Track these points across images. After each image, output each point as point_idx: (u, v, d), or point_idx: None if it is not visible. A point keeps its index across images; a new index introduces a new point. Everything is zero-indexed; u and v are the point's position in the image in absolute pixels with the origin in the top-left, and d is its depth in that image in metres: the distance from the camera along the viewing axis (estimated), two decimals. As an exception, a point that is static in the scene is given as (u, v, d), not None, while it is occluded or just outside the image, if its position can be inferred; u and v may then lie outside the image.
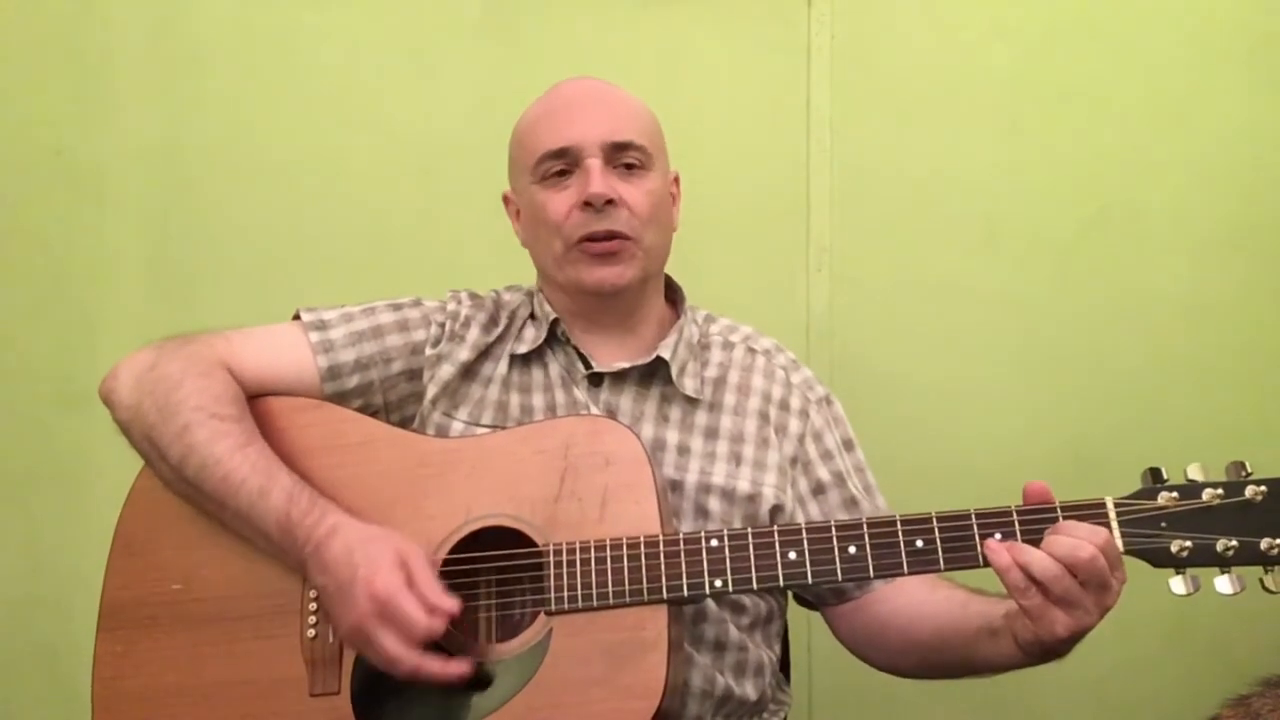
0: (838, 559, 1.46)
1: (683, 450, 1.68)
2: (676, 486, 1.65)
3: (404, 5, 2.57)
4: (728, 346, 1.81)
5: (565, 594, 1.47)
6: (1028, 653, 1.44)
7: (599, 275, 1.68)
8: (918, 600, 1.66)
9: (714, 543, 1.48)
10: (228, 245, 2.54)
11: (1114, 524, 1.40)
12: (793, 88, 2.53)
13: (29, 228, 2.57)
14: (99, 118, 2.57)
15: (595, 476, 1.51)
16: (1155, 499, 1.41)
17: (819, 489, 1.75)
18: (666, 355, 1.71)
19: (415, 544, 1.48)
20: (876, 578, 1.50)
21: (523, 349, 1.74)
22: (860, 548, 1.45)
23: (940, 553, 1.43)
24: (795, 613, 1.84)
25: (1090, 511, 1.42)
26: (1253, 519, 1.38)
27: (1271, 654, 2.01)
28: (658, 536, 1.48)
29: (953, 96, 2.52)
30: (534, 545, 1.50)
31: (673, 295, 1.85)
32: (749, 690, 1.66)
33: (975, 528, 1.43)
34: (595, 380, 1.71)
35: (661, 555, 1.47)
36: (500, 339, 1.76)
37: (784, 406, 1.77)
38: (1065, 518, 1.41)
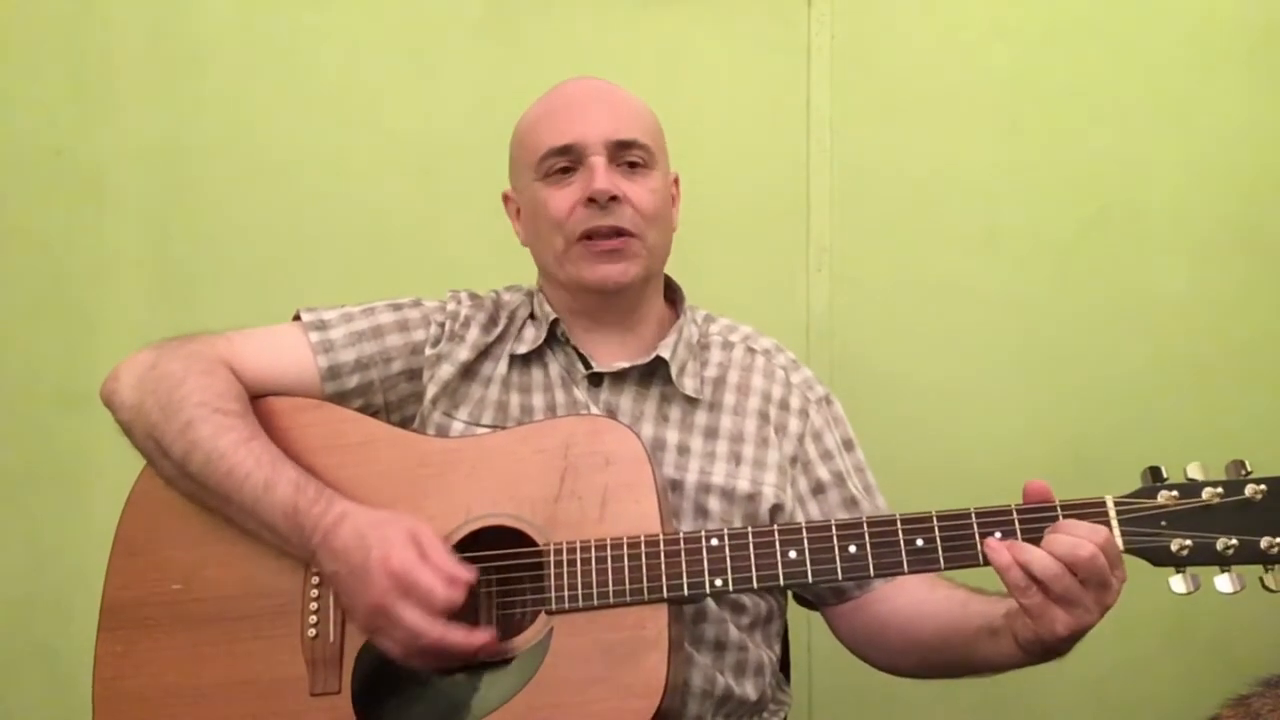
0: (838, 558, 1.46)
1: (682, 450, 1.68)
2: (676, 486, 1.65)
3: (404, 5, 2.57)
4: (727, 346, 1.81)
5: (566, 593, 1.47)
6: (1028, 652, 1.44)
7: (603, 272, 1.68)
8: (918, 600, 1.66)
9: (714, 542, 1.48)
10: (228, 245, 2.55)
11: (1114, 523, 1.40)
12: (793, 88, 2.53)
13: (29, 228, 2.57)
14: (99, 118, 2.57)
15: (595, 476, 1.52)
16: (1155, 498, 1.41)
17: (819, 489, 1.75)
18: (666, 355, 1.71)
19: (425, 521, 1.48)
20: (877, 577, 1.50)
21: (522, 349, 1.74)
22: (860, 547, 1.45)
23: (940, 552, 1.43)
24: (795, 613, 1.84)
25: (1090, 510, 1.42)
26: (1253, 518, 1.38)
27: (1271, 654, 2.01)
28: (658, 536, 1.48)
29: (953, 96, 2.52)
30: (534, 545, 1.50)
31: (672, 295, 1.85)
32: (749, 690, 1.66)
33: (975, 527, 1.43)
34: (595, 380, 1.72)
35: (662, 554, 1.47)
36: (500, 339, 1.76)
37: (784, 406, 1.77)
38: (1065, 517, 1.41)
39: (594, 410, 1.68)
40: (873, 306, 2.51)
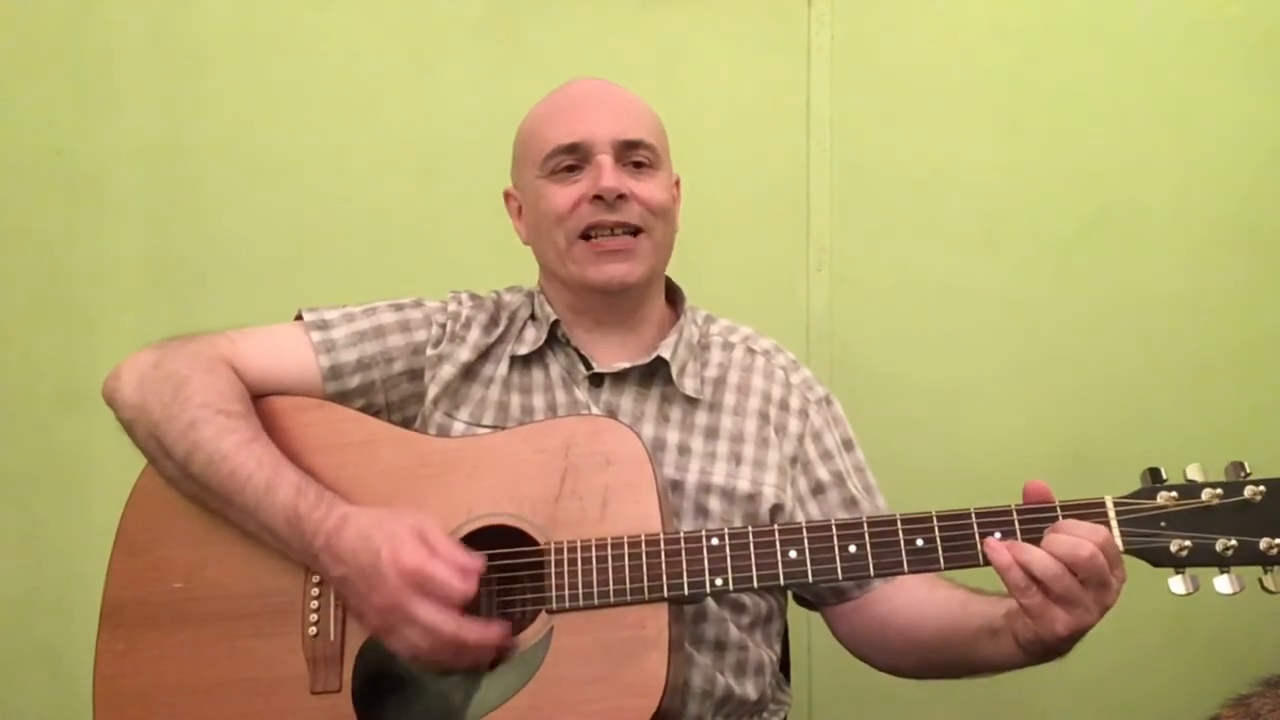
0: (838, 558, 1.46)
1: (683, 450, 1.69)
2: (677, 486, 1.66)
3: (404, 5, 2.57)
4: (728, 347, 1.81)
5: (566, 593, 1.47)
6: (1028, 652, 1.44)
7: (608, 272, 1.68)
8: (917, 600, 1.66)
9: (715, 541, 1.48)
10: (228, 245, 2.55)
11: (1113, 523, 1.41)
12: (793, 88, 2.54)
13: (29, 228, 2.57)
14: (99, 118, 2.57)
15: (596, 476, 1.52)
16: (1155, 499, 1.41)
17: (818, 489, 1.75)
18: (667, 355, 1.71)
19: (427, 516, 1.49)
20: (877, 576, 1.50)
21: (523, 350, 1.74)
22: (860, 547, 1.46)
23: (940, 552, 1.44)
24: (795, 613, 1.84)
25: (1090, 511, 1.42)
26: (1252, 519, 1.38)
27: (1271, 654, 2.01)
28: (658, 535, 1.48)
29: (953, 96, 2.52)
30: (535, 544, 1.50)
31: (672, 296, 1.85)
32: (749, 690, 1.66)
33: (975, 527, 1.43)
34: (596, 380, 1.72)
35: (662, 554, 1.47)
36: (501, 340, 1.76)
37: (784, 406, 1.77)
38: (1065, 517, 1.41)
39: (595, 410, 1.68)
40: (873, 306, 2.51)
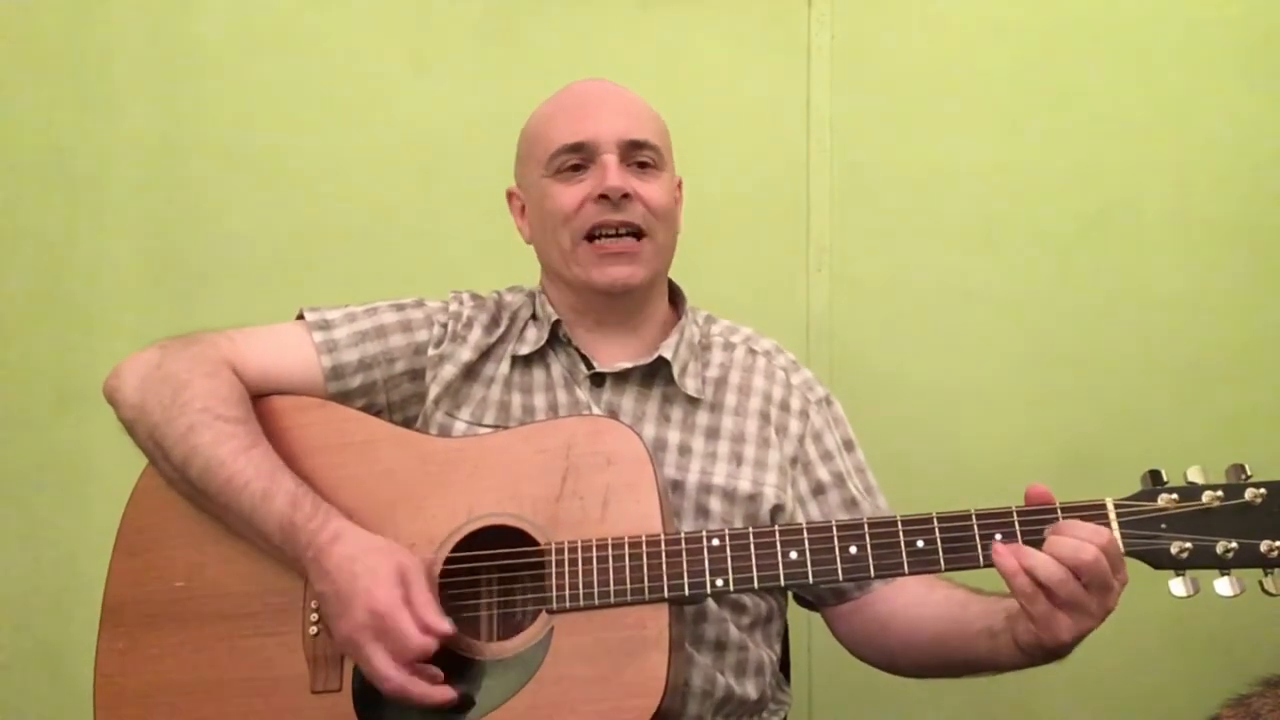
0: (839, 559, 1.46)
1: (684, 450, 1.69)
2: (678, 486, 1.66)
3: (404, 5, 2.57)
4: (728, 347, 1.81)
5: (567, 592, 1.47)
6: (1028, 654, 1.45)
7: (611, 274, 1.68)
8: (917, 601, 1.66)
9: (715, 542, 1.48)
10: (228, 245, 2.54)
11: (1114, 525, 1.41)
12: (793, 88, 2.54)
13: (29, 227, 2.57)
14: (99, 118, 2.57)
15: (597, 476, 1.52)
16: (1155, 500, 1.41)
17: (819, 489, 1.75)
18: (668, 355, 1.71)
19: (416, 558, 1.49)
20: (877, 577, 1.50)
21: (524, 350, 1.74)
22: (861, 548, 1.46)
23: (941, 553, 1.44)
24: (795, 613, 1.84)
25: (1091, 513, 1.42)
26: (1252, 521, 1.39)
27: (1271, 654, 2.01)
28: (659, 536, 1.48)
29: (953, 96, 2.52)
30: (536, 544, 1.50)
31: (674, 297, 1.85)
32: (749, 690, 1.66)
33: (976, 528, 1.43)
34: (597, 380, 1.72)
35: (663, 554, 1.47)
36: (502, 339, 1.76)
37: (784, 407, 1.77)
38: (1066, 518, 1.42)
39: (596, 410, 1.68)
40: (873, 306, 2.51)
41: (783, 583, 1.47)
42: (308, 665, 1.51)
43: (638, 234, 1.69)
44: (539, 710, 1.43)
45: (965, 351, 2.49)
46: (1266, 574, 1.39)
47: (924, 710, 2.33)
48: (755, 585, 1.47)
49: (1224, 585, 1.39)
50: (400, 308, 1.76)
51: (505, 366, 1.74)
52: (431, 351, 1.73)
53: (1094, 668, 2.21)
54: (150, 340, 1.67)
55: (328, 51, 2.58)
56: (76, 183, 2.56)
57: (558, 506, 1.51)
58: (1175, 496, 1.41)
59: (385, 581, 1.43)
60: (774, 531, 1.48)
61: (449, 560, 1.52)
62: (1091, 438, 2.43)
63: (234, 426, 1.56)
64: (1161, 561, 1.40)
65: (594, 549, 1.48)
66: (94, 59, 2.58)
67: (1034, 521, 1.42)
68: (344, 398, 1.69)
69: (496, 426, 1.68)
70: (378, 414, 1.69)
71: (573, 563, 1.48)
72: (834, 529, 1.47)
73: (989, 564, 1.41)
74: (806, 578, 1.46)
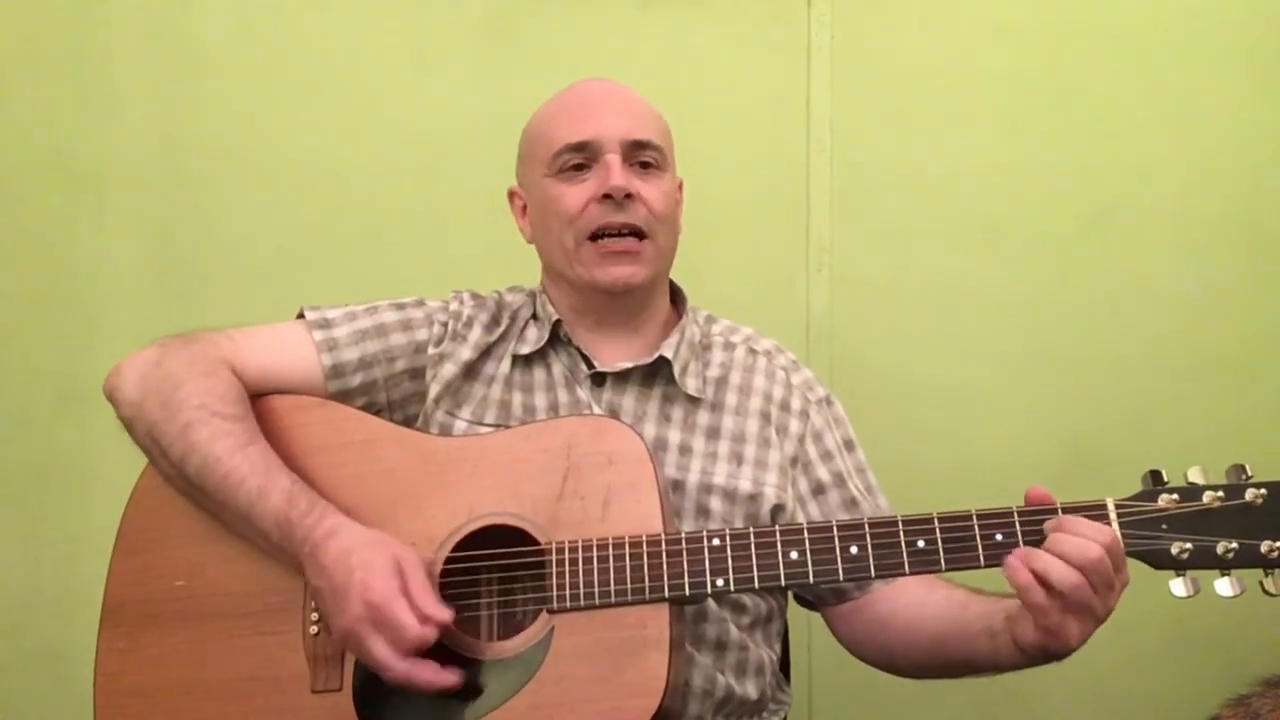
0: (839, 559, 1.46)
1: (684, 450, 1.69)
2: (678, 486, 1.66)
3: (404, 5, 2.57)
4: (729, 347, 1.81)
5: (567, 592, 1.47)
6: (1029, 654, 1.44)
7: (614, 273, 1.68)
8: (917, 601, 1.66)
9: (716, 542, 1.48)
10: (228, 245, 2.55)
11: (1115, 525, 1.40)
12: (793, 88, 2.54)
13: (29, 227, 2.57)
14: (99, 118, 2.57)
15: (598, 476, 1.52)
16: (1156, 501, 1.41)
17: (819, 489, 1.75)
18: (669, 355, 1.71)
19: (413, 550, 1.49)
20: (878, 577, 1.50)
21: (525, 349, 1.74)
22: (862, 548, 1.46)
23: (941, 553, 1.44)
24: (795, 613, 1.84)
25: (1091, 513, 1.42)
26: (1253, 522, 1.39)
27: (1271, 654, 2.01)
28: (660, 535, 1.48)
29: (953, 96, 2.52)
30: (536, 544, 1.50)
31: (674, 296, 1.85)
32: (750, 690, 1.66)
33: (977, 528, 1.43)
34: (598, 380, 1.72)
35: (664, 554, 1.47)
36: (502, 339, 1.76)
37: (784, 407, 1.77)
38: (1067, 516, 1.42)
39: (596, 410, 1.68)
40: (873, 306, 2.51)
41: (783, 583, 1.47)
42: (308, 664, 1.51)
43: (639, 235, 1.69)
44: (539, 710, 1.43)
45: (965, 351, 2.49)
46: (1267, 574, 1.39)
47: (924, 710, 2.33)
48: (756, 585, 1.47)
49: (1224, 586, 1.39)
50: (400, 307, 1.76)
51: (505, 366, 1.74)
52: (432, 350, 1.73)
53: (1094, 668, 2.21)
54: (151, 340, 1.67)
55: (328, 51, 2.58)
56: (77, 182, 2.56)
57: (558, 506, 1.51)
58: (1176, 497, 1.41)
59: (381, 573, 1.43)
60: (775, 531, 1.48)
61: (449, 560, 1.52)
62: (1091, 438, 2.43)
63: (231, 424, 1.56)
64: (1162, 562, 1.40)
65: (595, 549, 1.48)
66: (94, 59, 2.58)
67: (1035, 522, 1.42)
68: (344, 396, 1.69)
69: (497, 426, 1.68)
70: (378, 413, 1.69)
71: (573, 562, 1.48)
72: (835, 529, 1.47)
73: (989, 564, 1.41)
74: (807, 578, 1.46)
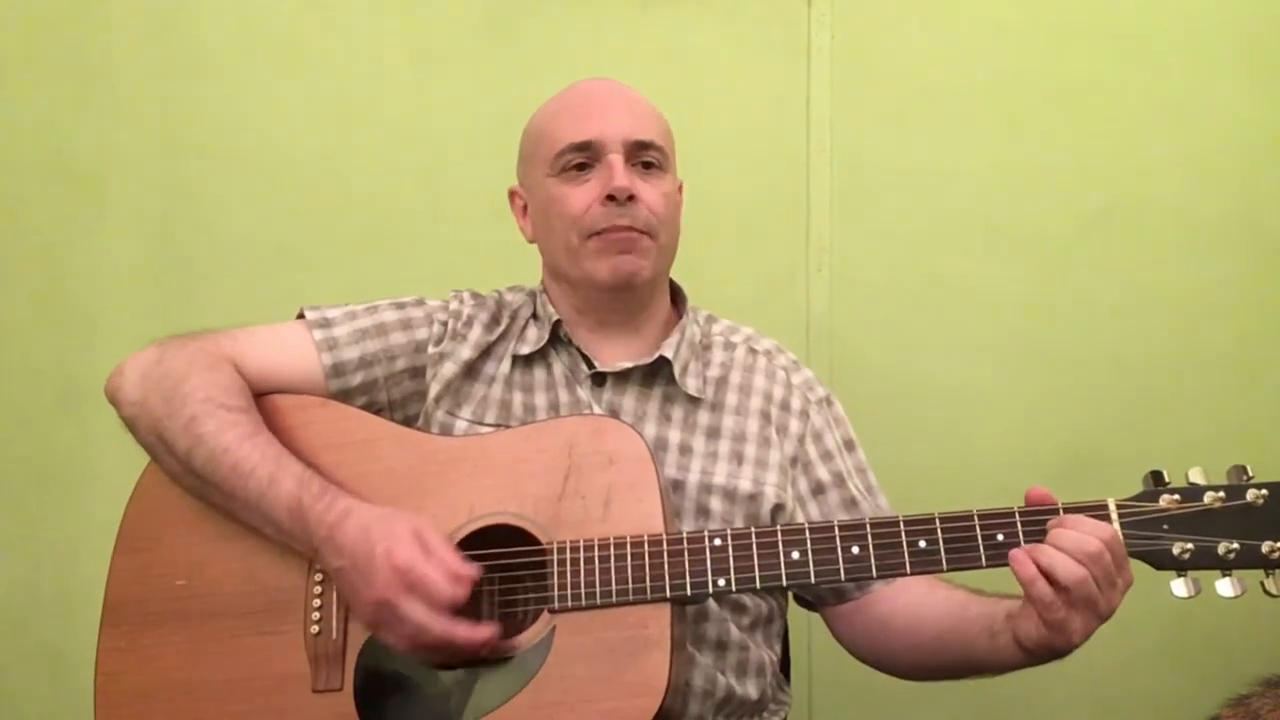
0: (841, 559, 1.46)
1: (685, 450, 1.69)
2: (678, 486, 1.66)
3: (404, 5, 2.57)
4: (729, 347, 1.81)
5: (569, 592, 1.47)
6: (1031, 653, 1.44)
7: (615, 263, 1.68)
8: (917, 601, 1.67)
9: (717, 542, 1.48)
10: (228, 245, 2.54)
11: (1116, 525, 1.41)
12: (793, 88, 2.54)
13: (29, 228, 2.57)
14: (99, 118, 2.57)
15: (599, 475, 1.52)
16: (1157, 501, 1.41)
17: (819, 489, 1.75)
18: (669, 354, 1.71)
19: (427, 518, 1.49)
20: (879, 577, 1.50)
21: (525, 349, 1.74)
22: (863, 548, 1.46)
23: (943, 553, 1.44)
24: (795, 613, 1.84)
25: (1093, 513, 1.42)
26: (1254, 522, 1.39)
27: (1271, 654, 2.02)
28: (661, 535, 1.48)
29: (953, 96, 2.52)
30: (537, 544, 1.50)
31: (674, 296, 1.85)
32: (750, 690, 1.66)
33: (978, 529, 1.43)
34: (598, 380, 1.72)
35: (665, 554, 1.47)
36: (502, 338, 1.76)
37: (785, 407, 1.77)
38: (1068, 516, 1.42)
39: (597, 410, 1.68)
40: (873, 306, 2.51)
41: (785, 583, 1.47)
42: (309, 664, 1.51)
43: (641, 233, 1.69)
44: (540, 710, 1.43)
45: (965, 351, 2.49)
46: (1268, 575, 1.39)
47: (924, 710, 2.33)
48: (757, 585, 1.47)
49: (1225, 586, 1.39)
50: (401, 306, 1.76)
51: (506, 366, 1.74)
52: (432, 349, 1.73)
53: (1094, 668, 2.22)
54: (152, 339, 1.67)
55: (328, 51, 2.57)
56: (77, 183, 2.56)
57: (559, 506, 1.51)
58: (1177, 497, 1.41)
59: (403, 540, 1.43)
60: (776, 531, 1.48)
61: (450, 559, 1.51)
62: (1091, 438, 2.43)
63: (237, 415, 1.57)
64: (1163, 562, 1.41)
65: (596, 548, 1.48)
66: (95, 59, 2.57)
67: (1036, 522, 1.42)
68: (345, 396, 1.69)
69: (497, 426, 1.68)
70: (378, 412, 1.69)
71: (574, 562, 1.48)
72: (836, 529, 1.47)
73: (991, 564, 1.41)
74: (809, 578, 1.46)
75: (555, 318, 1.74)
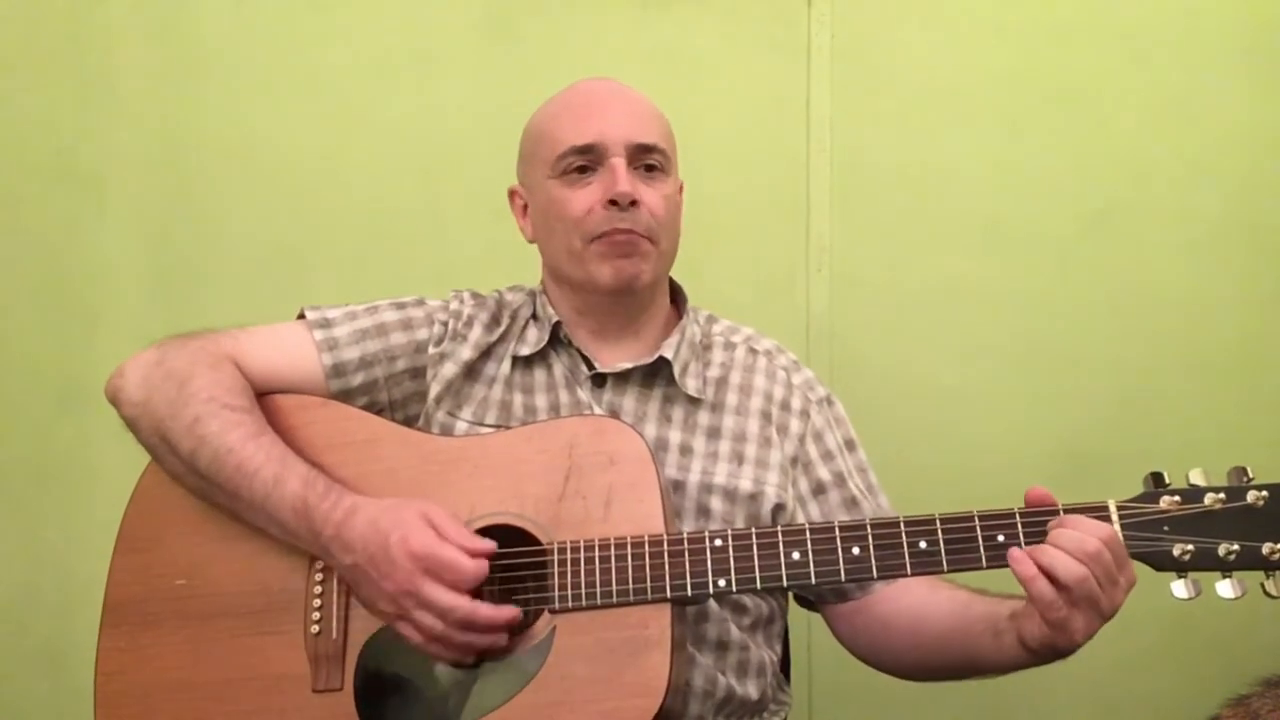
0: (841, 559, 1.46)
1: (685, 450, 1.68)
2: (679, 486, 1.66)
3: (404, 5, 2.57)
4: (729, 347, 1.81)
5: (569, 592, 1.47)
6: (1034, 653, 1.44)
7: (616, 266, 1.67)
8: (920, 601, 1.66)
9: (718, 542, 1.48)
10: (228, 245, 2.54)
11: (1116, 527, 1.41)
12: (793, 88, 2.54)
13: (30, 227, 2.57)
14: (99, 118, 2.57)
15: (599, 476, 1.52)
16: (1157, 502, 1.41)
17: (819, 489, 1.75)
18: (669, 355, 1.71)
19: (433, 502, 1.49)
20: (880, 578, 1.50)
21: (525, 351, 1.74)
22: (864, 548, 1.46)
23: (943, 554, 1.44)
24: (795, 613, 1.84)
25: (1093, 514, 1.42)
26: (1254, 524, 1.39)
27: (1271, 654, 2.01)
28: (662, 536, 1.48)
29: (953, 96, 2.52)
30: (538, 544, 1.51)
31: (675, 297, 1.85)
32: (750, 690, 1.66)
33: (979, 529, 1.44)
34: (598, 381, 1.72)
35: (665, 554, 1.47)
36: (503, 339, 1.76)
37: (785, 407, 1.77)
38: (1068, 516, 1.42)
39: (598, 410, 1.68)
40: (873, 306, 2.51)
41: (785, 583, 1.47)
42: (309, 664, 1.51)
43: (643, 238, 1.68)
44: (540, 710, 1.43)
45: (965, 351, 2.49)
46: (1268, 576, 1.39)
47: (924, 710, 2.33)
48: (758, 586, 1.47)
49: (1225, 588, 1.39)
50: (401, 306, 1.76)
51: (506, 366, 1.74)
52: (432, 350, 1.73)
53: (1094, 668, 2.21)
54: (152, 339, 1.67)
55: (328, 51, 2.57)
56: (78, 182, 2.56)
57: (560, 506, 1.52)
58: (1177, 499, 1.41)
59: (416, 527, 1.44)
60: (777, 532, 1.48)
61: (451, 560, 1.51)
62: (1091, 438, 2.43)
63: (240, 415, 1.57)
64: (1163, 563, 1.41)
65: (596, 549, 1.48)
66: (95, 58, 2.57)
67: (1036, 522, 1.42)
68: (345, 396, 1.69)
69: (498, 427, 1.68)
70: (379, 412, 1.69)
71: (575, 562, 1.48)
72: (837, 530, 1.47)
73: (991, 565, 1.42)
74: (809, 578, 1.47)
75: (555, 319, 1.74)
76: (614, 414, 1.69)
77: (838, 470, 1.76)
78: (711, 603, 1.62)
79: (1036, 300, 2.49)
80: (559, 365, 1.74)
